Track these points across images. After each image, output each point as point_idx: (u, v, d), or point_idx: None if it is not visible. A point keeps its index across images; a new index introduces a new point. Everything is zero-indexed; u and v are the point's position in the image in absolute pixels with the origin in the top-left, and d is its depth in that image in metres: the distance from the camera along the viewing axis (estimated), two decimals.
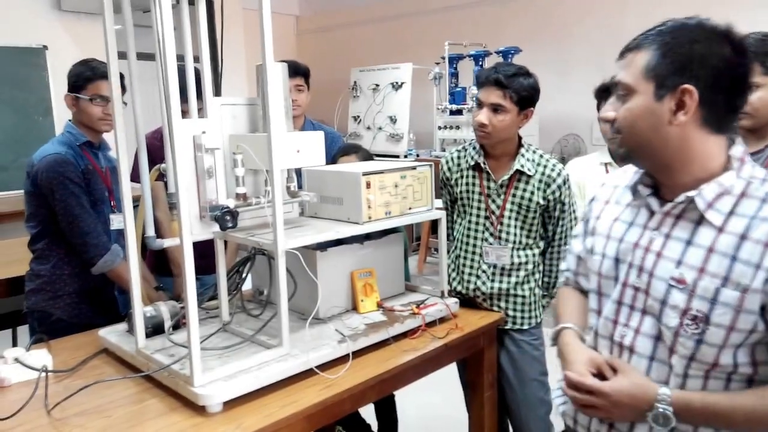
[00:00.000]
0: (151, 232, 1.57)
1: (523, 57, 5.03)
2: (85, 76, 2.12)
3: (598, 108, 2.25)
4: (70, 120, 2.18)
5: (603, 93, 2.20)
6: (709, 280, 1.04)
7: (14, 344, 3.04)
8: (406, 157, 5.87)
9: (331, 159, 2.27)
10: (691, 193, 1.07)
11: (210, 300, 1.94)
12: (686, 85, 1.03)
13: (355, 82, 6.52)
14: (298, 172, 1.93)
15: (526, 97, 1.88)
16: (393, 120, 6.14)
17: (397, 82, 6.17)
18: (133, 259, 1.56)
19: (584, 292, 1.33)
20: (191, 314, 1.36)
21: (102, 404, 1.44)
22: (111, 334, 1.74)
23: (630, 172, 1.23)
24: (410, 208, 1.86)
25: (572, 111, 5.32)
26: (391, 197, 1.80)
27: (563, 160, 2.49)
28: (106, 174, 2.22)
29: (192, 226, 1.34)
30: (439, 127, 5.74)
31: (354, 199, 1.73)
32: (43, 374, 1.53)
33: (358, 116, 6.46)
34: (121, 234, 2.00)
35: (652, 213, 1.15)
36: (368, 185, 1.73)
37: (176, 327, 1.76)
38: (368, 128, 6.35)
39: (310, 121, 2.84)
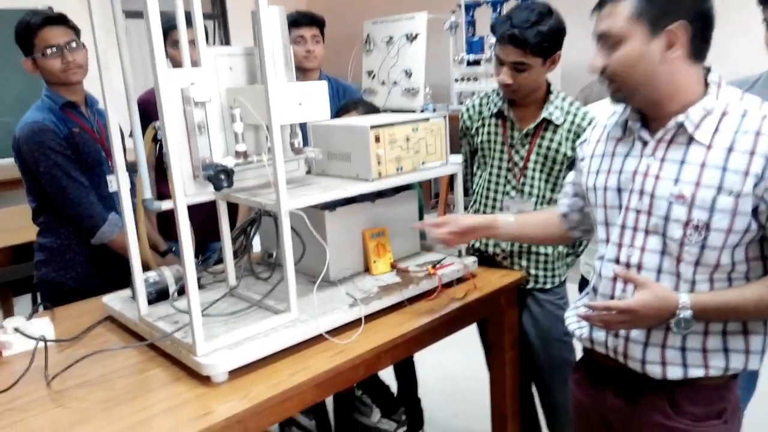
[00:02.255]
0: (148, 194, 1.48)
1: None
2: (26, 34, 1.92)
3: None
4: (46, 83, 2.01)
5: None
6: (705, 191, 1.14)
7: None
8: (422, 111, 5.70)
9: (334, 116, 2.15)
10: (680, 118, 1.17)
11: (217, 264, 1.86)
12: (678, 22, 1.12)
13: (368, 36, 6.30)
14: (304, 127, 1.82)
15: (549, 46, 1.72)
16: (408, 74, 5.93)
17: (411, 34, 5.93)
18: (129, 222, 1.47)
19: (564, 217, 1.54)
20: (190, 280, 1.28)
21: (104, 374, 1.38)
22: (115, 301, 1.68)
23: (612, 110, 1.35)
24: (423, 163, 1.74)
25: None
26: (403, 151, 1.68)
27: None
28: (100, 133, 2.07)
29: (185, 186, 1.24)
30: (456, 80, 5.53)
31: (362, 154, 1.62)
32: (43, 344, 1.47)
33: (372, 71, 6.26)
34: None
35: (644, 143, 1.25)
36: (377, 139, 1.61)
37: (182, 292, 1.69)
38: (383, 83, 6.15)
39: (326, 76, 2.70)
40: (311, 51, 2.53)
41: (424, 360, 2.65)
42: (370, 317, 1.57)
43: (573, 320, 1.41)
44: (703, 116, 1.17)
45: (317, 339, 1.46)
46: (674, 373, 1.22)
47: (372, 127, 1.60)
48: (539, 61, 1.73)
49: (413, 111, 5.82)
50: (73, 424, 1.18)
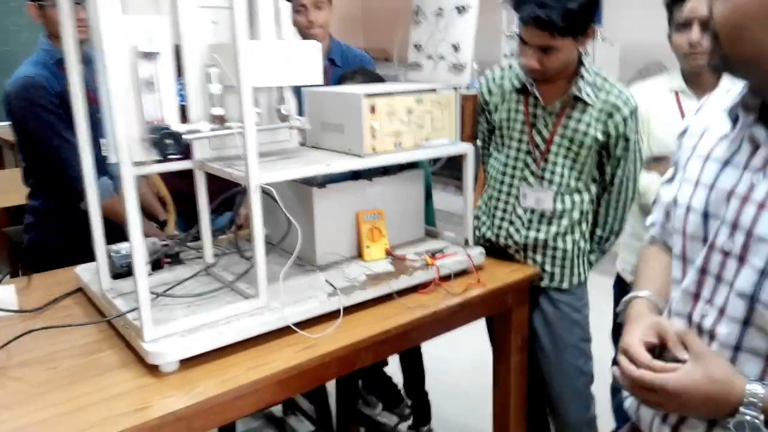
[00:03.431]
0: (113, 159, 1.34)
1: None
2: None
3: (669, 21, 1.79)
4: (43, 35, 1.91)
5: None
6: None
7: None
8: (467, 88, 5.42)
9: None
10: None
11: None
12: None
13: (418, 7, 6.04)
14: (300, 93, 1.65)
15: (580, 23, 1.48)
16: (456, 48, 5.66)
17: (462, 6, 5.65)
18: (90, 188, 1.35)
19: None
20: (137, 255, 1.14)
21: (53, 352, 1.27)
22: (86, 272, 1.57)
23: (733, 93, 0.90)
24: (427, 139, 1.54)
25: (659, 38, 4.66)
26: (403, 125, 1.49)
27: None
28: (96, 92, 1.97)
29: (132, 150, 1.10)
30: (506, 55, 5.22)
31: (355, 126, 1.44)
32: (1, 314, 1.37)
33: (419, 45, 6.02)
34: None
35: (755, 147, 0.84)
36: (372, 110, 1.42)
37: (157, 266, 1.57)
38: (429, 57, 5.90)
39: (338, 43, 2.51)
40: (313, 21, 2.33)
41: (435, 350, 2.47)
42: (353, 309, 1.41)
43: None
44: None
45: (288, 331, 1.31)
46: None
47: (366, 96, 1.41)
48: (569, 41, 1.50)
49: (458, 88, 5.55)
50: None
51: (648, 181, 1.85)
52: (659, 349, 0.87)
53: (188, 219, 1.95)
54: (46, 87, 1.82)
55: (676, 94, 1.83)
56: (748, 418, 0.77)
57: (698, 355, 0.82)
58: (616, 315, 2.01)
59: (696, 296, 0.88)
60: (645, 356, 0.84)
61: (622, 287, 2.02)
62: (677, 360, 0.82)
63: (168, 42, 1.12)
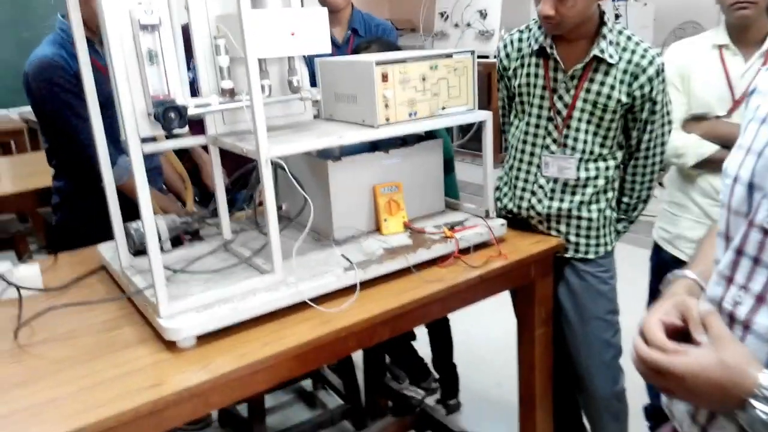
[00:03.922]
0: (123, 135, 1.34)
1: None
2: None
3: None
4: (61, 14, 1.90)
5: None
6: None
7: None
8: (495, 57, 5.29)
9: None
10: None
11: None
12: None
13: None
14: (311, 62, 1.62)
15: None
16: (483, 15, 5.51)
17: None
18: (105, 165, 1.35)
19: None
20: (149, 233, 1.14)
21: (74, 329, 1.28)
22: (108, 250, 1.58)
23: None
24: (444, 108, 1.49)
25: None
26: (418, 93, 1.44)
27: None
28: None
29: (139, 125, 1.09)
30: (534, 21, 5.06)
31: (367, 96, 1.40)
32: (26, 293, 1.40)
33: (445, 12, 5.88)
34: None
35: None
36: (384, 78, 1.38)
37: (177, 243, 1.58)
38: (456, 25, 5.77)
39: (360, 12, 2.46)
40: None
41: (463, 323, 2.45)
42: (370, 284, 1.39)
43: None
44: None
45: (304, 306, 1.30)
46: None
47: (378, 64, 1.37)
48: None
49: (486, 57, 5.43)
50: (17, 384, 1.09)
51: (686, 141, 1.77)
52: (684, 333, 0.79)
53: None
54: (64, 67, 1.82)
55: (720, 50, 1.74)
56: (758, 412, 0.68)
57: (717, 338, 0.73)
58: (652, 286, 1.96)
59: (729, 281, 0.79)
60: (659, 336, 0.76)
61: (659, 257, 1.95)
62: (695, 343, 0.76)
63: (169, 13, 1.09)
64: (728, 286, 0.79)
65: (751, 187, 0.77)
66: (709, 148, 1.74)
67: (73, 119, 1.84)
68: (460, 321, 2.24)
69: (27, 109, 4.58)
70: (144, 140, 1.14)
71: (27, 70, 1.84)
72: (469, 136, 5.36)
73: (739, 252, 0.78)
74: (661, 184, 2.30)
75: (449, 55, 1.47)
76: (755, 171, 0.76)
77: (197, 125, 1.45)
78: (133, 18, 1.04)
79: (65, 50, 1.85)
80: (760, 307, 0.74)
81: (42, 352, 1.20)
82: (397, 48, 1.90)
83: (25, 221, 3.37)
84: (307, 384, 2.68)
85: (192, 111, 1.16)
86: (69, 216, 1.99)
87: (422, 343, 2.49)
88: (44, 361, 1.17)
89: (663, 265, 1.92)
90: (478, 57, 1.55)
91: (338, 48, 2.32)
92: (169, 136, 1.18)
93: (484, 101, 5.04)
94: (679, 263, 1.86)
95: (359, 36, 2.37)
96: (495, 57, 1.78)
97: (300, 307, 1.30)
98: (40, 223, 2.97)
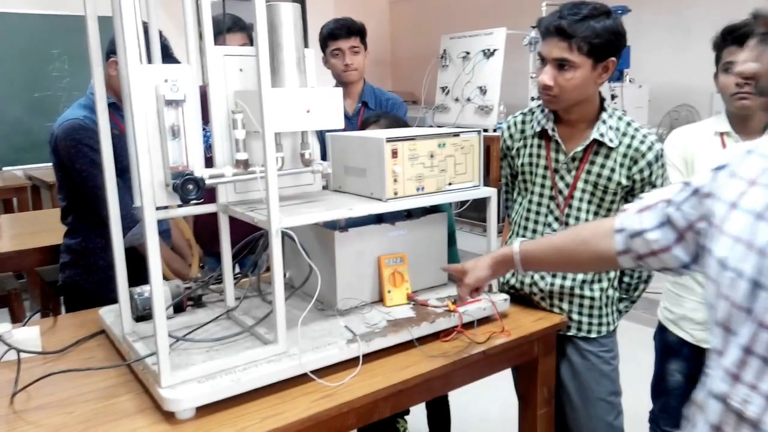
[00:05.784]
0: (138, 202, 1.36)
1: (633, 18, 4.42)
2: None
3: (717, 61, 1.78)
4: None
5: (728, 38, 1.73)
6: None
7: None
8: (495, 131, 5.44)
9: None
10: None
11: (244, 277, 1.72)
12: None
13: (444, 51, 6.13)
14: (322, 137, 1.67)
15: (601, 45, 1.46)
16: (483, 91, 5.70)
17: (488, 50, 5.71)
18: (115, 228, 1.37)
19: (620, 234, 1.06)
20: (156, 301, 1.14)
21: (71, 396, 1.26)
22: (110, 314, 1.58)
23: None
24: (450, 184, 1.53)
25: (689, 80, 4.61)
26: (425, 169, 1.48)
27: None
28: None
29: (156, 195, 1.11)
30: (533, 98, 5.23)
31: (377, 170, 1.44)
32: (24, 355, 1.38)
33: (446, 87, 6.08)
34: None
35: None
36: (394, 154, 1.42)
37: (180, 309, 1.57)
38: (456, 100, 5.96)
39: (371, 87, 2.55)
40: (349, 64, 2.39)
41: (462, 399, 2.40)
42: (372, 356, 1.38)
43: None
44: None
45: (306, 378, 1.29)
46: None
47: (388, 140, 1.41)
48: (588, 62, 1.47)
49: (486, 130, 5.57)
50: None
51: None
52: None
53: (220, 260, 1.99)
54: (93, 129, 1.89)
55: (721, 136, 1.80)
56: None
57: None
58: (657, 368, 1.94)
59: (735, 378, 0.79)
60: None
61: (664, 338, 1.94)
62: None
63: (193, 90, 1.14)
64: (735, 383, 0.80)
65: (756, 285, 0.78)
66: None
67: (99, 177, 1.89)
68: (458, 396, 2.20)
69: (32, 167, 4.65)
70: (158, 208, 1.16)
71: (56, 132, 1.90)
72: (466, 206, 5.43)
73: (748, 351, 0.78)
74: None
75: (456, 134, 1.52)
76: (760, 268, 0.78)
77: (207, 191, 1.49)
78: (159, 94, 1.08)
79: (95, 114, 1.93)
80: None
81: (37, 419, 1.18)
82: (405, 123, 1.96)
83: (20, 278, 3.35)
84: None
85: (208, 182, 1.19)
86: (79, 275, 2.00)
87: (414, 418, 2.44)
88: (39, 428, 1.15)
89: (668, 346, 1.91)
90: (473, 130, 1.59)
91: (348, 119, 2.39)
92: (182, 204, 1.21)
93: (484, 172, 5.16)
94: (684, 344, 1.87)
95: (369, 108, 2.45)
96: (495, 131, 1.84)
97: (302, 378, 1.28)
98: (36, 282, 2.95)
